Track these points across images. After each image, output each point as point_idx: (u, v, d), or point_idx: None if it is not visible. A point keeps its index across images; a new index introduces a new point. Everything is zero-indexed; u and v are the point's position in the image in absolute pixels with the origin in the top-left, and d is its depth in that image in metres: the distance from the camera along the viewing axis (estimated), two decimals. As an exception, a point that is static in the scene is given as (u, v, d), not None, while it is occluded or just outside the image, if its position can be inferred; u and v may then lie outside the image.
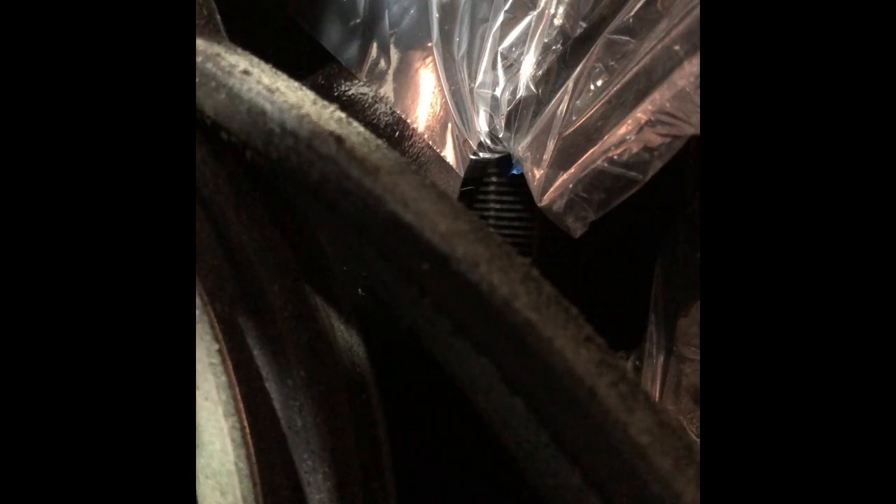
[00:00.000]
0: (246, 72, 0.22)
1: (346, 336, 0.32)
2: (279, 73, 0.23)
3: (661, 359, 0.41)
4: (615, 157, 0.34)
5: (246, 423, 0.27)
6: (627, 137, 0.34)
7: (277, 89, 0.22)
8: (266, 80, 0.22)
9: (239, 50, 0.23)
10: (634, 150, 0.33)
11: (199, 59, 0.23)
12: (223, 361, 0.26)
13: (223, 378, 0.26)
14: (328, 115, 0.22)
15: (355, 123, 0.23)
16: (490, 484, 0.42)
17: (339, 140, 0.21)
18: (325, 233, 0.28)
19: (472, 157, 0.37)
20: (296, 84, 0.23)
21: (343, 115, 0.23)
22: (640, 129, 0.34)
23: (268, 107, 0.22)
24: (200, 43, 0.23)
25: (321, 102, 0.23)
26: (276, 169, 0.22)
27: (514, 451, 0.25)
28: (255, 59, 0.23)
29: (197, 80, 0.23)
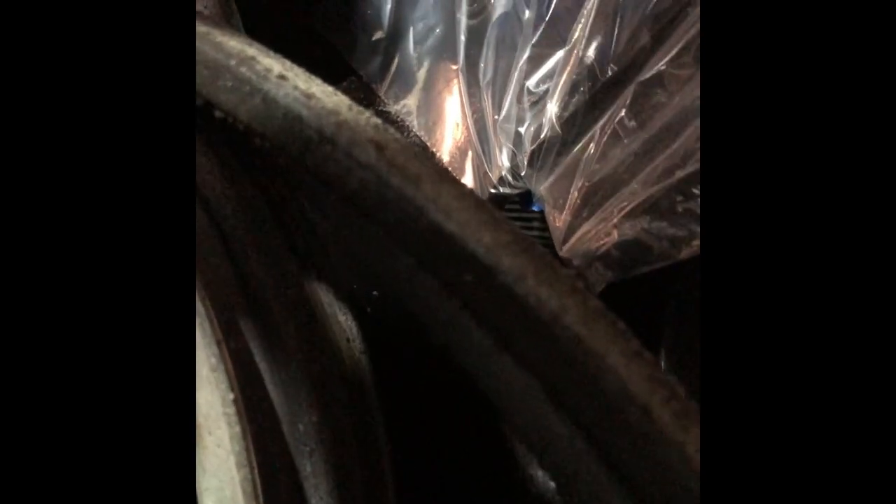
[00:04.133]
0: (282, 76, 0.21)
1: (357, 372, 0.31)
2: (314, 77, 0.22)
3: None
4: (653, 227, 0.34)
5: (258, 476, 0.26)
6: (661, 203, 0.33)
7: (313, 94, 0.21)
8: (302, 85, 0.21)
9: (272, 53, 0.23)
10: (675, 228, 0.33)
11: (232, 62, 0.22)
12: (238, 411, 0.25)
13: (237, 428, 0.25)
14: (365, 122, 0.21)
15: (392, 130, 0.22)
16: (491, 486, 0.41)
17: (379, 147, 0.21)
18: (357, 243, 0.27)
19: (491, 190, 0.36)
20: (330, 89, 0.22)
21: (379, 121, 0.22)
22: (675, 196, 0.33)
23: (304, 112, 0.21)
24: (234, 45, 0.22)
25: (357, 108, 0.22)
26: (312, 177, 0.21)
27: (552, 472, 0.24)
28: (289, 63, 0.22)
29: (231, 84, 0.22)
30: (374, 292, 0.33)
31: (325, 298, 0.31)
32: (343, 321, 0.32)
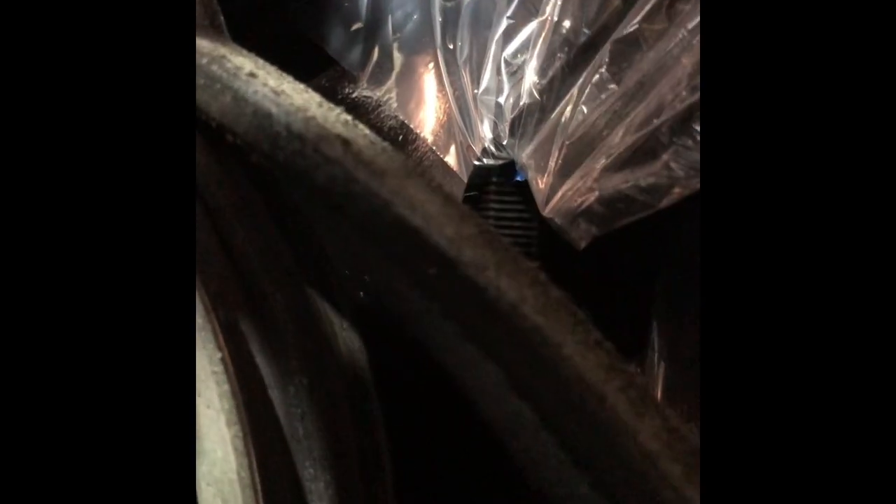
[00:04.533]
0: (252, 74, 0.22)
1: (348, 343, 0.32)
2: (285, 74, 0.23)
3: (663, 366, 0.41)
4: (633, 178, 0.34)
5: (249, 433, 0.26)
6: (639, 153, 0.34)
7: (283, 91, 0.22)
8: (272, 83, 0.22)
9: (244, 52, 0.23)
10: (654, 177, 0.33)
11: (203, 60, 0.23)
12: (226, 370, 0.26)
13: (226, 387, 0.26)
14: (334, 118, 0.22)
15: (361, 126, 0.22)
16: (491, 492, 0.42)
17: (345, 143, 0.21)
18: (332, 237, 0.27)
19: (475, 162, 0.37)
20: (301, 86, 0.23)
21: (349, 117, 0.23)
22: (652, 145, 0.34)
23: (274, 109, 0.22)
24: (206, 45, 0.23)
25: (327, 105, 0.23)
26: (283, 172, 0.22)
27: (521, 459, 0.25)
28: (261, 61, 0.23)
29: (202, 82, 0.22)
30: (366, 276, 0.34)
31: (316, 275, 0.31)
32: (337, 303, 0.32)
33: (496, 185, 0.41)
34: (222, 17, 0.27)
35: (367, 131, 0.22)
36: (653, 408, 0.21)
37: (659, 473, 0.20)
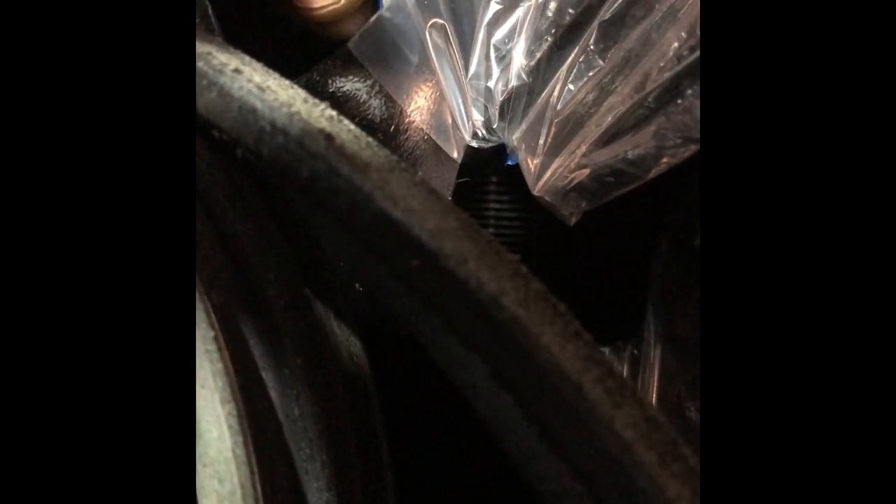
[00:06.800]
0: (237, 70, 0.23)
1: (343, 326, 0.32)
2: (271, 71, 0.23)
3: (660, 347, 0.42)
4: (621, 151, 0.34)
5: (243, 410, 0.27)
6: (627, 125, 0.34)
7: (268, 87, 0.22)
8: (257, 79, 0.23)
9: (230, 48, 0.24)
10: (642, 148, 0.33)
11: (189, 57, 0.23)
12: (219, 349, 0.26)
13: (219, 365, 0.26)
14: (318, 113, 0.22)
15: (346, 121, 0.23)
16: (488, 475, 0.42)
17: (328, 137, 0.22)
18: (318, 229, 0.28)
19: (469, 143, 0.38)
20: (287, 82, 0.23)
21: (334, 112, 0.23)
22: (639, 116, 0.34)
23: (258, 104, 0.22)
24: (191, 42, 0.23)
25: (312, 100, 0.23)
26: (267, 166, 0.23)
27: (504, 445, 0.25)
28: (247, 58, 0.23)
29: (188, 78, 0.23)
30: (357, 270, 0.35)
31: (311, 265, 0.32)
32: (339, 309, 0.33)
33: (495, 177, 0.41)
34: (213, 14, 0.27)
35: (352, 126, 0.23)
36: (630, 397, 0.21)
37: (634, 461, 0.21)
